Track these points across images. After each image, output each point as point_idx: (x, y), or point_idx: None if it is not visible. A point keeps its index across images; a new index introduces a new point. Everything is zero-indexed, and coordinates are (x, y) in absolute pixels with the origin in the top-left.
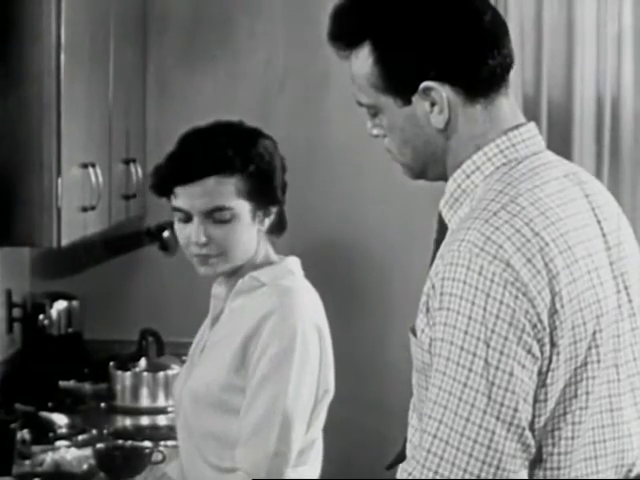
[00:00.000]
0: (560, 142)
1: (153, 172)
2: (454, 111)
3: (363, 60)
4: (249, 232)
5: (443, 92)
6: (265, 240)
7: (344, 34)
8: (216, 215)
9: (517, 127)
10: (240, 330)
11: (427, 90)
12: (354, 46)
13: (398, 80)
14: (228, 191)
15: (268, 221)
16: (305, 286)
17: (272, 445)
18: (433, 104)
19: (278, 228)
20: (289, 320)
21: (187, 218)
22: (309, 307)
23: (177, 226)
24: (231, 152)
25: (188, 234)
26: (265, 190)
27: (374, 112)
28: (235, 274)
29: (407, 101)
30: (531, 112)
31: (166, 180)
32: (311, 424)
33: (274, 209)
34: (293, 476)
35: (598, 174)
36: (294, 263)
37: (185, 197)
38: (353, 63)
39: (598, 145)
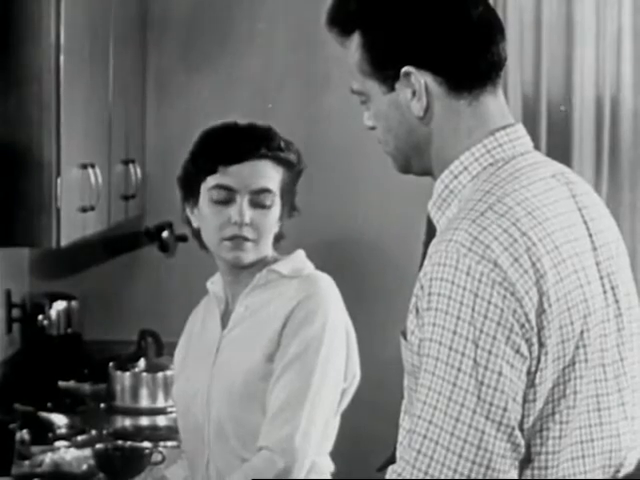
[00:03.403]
0: (559, 142)
1: (196, 151)
2: (434, 101)
3: (354, 47)
4: (275, 228)
5: (422, 79)
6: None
7: (338, 22)
8: (260, 197)
9: (504, 127)
10: (271, 320)
11: (407, 75)
12: (347, 34)
13: (381, 64)
14: (276, 179)
15: (278, 227)
16: (325, 275)
17: (298, 424)
18: (414, 92)
19: (277, 238)
20: (320, 307)
21: (227, 199)
22: (335, 294)
23: (211, 209)
24: (283, 144)
25: (227, 215)
26: (294, 193)
27: (364, 100)
28: (243, 271)
29: (391, 87)
30: (530, 112)
31: (221, 156)
32: (338, 410)
33: (289, 216)
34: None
35: (597, 173)
36: (304, 255)
37: (234, 175)
38: (347, 51)
39: (597, 145)
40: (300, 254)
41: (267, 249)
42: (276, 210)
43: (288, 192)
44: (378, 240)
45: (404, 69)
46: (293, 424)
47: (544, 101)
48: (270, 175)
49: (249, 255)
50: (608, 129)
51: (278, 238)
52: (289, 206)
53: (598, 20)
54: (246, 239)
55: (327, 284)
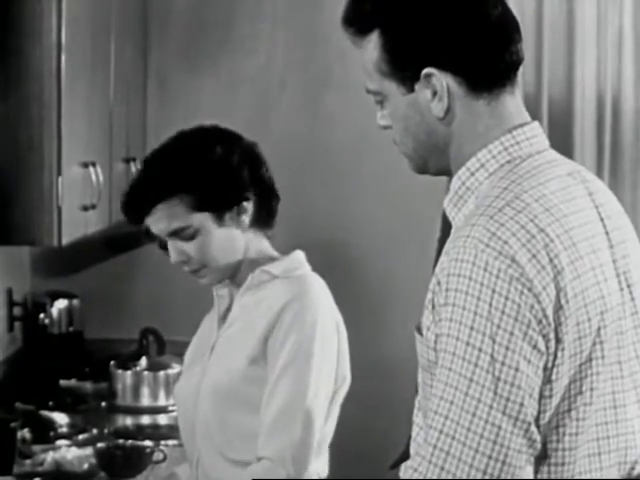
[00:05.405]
0: (561, 140)
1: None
2: (455, 101)
3: (372, 47)
4: (224, 237)
5: (443, 80)
6: (258, 235)
7: (356, 21)
8: (182, 235)
9: (521, 125)
10: (259, 322)
11: (428, 77)
12: (365, 33)
13: (401, 65)
14: (179, 212)
15: (246, 217)
16: (316, 276)
17: (296, 433)
18: (434, 93)
19: (264, 220)
20: (309, 309)
21: (161, 240)
22: (325, 295)
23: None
24: (168, 177)
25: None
26: (220, 196)
27: (380, 100)
28: (236, 274)
29: (410, 88)
30: (532, 110)
31: (128, 219)
32: (329, 415)
33: (245, 205)
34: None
35: (599, 172)
36: (301, 255)
37: (150, 225)
38: (364, 50)
39: (599, 143)
40: (296, 255)
41: (230, 260)
42: (209, 230)
43: (213, 201)
44: (379, 238)
45: (425, 70)
46: (291, 433)
47: (545, 100)
48: (172, 213)
49: (209, 279)
50: (609, 128)
51: (259, 224)
52: (229, 205)
53: (599, 19)
54: (194, 271)
55: (317, 285)
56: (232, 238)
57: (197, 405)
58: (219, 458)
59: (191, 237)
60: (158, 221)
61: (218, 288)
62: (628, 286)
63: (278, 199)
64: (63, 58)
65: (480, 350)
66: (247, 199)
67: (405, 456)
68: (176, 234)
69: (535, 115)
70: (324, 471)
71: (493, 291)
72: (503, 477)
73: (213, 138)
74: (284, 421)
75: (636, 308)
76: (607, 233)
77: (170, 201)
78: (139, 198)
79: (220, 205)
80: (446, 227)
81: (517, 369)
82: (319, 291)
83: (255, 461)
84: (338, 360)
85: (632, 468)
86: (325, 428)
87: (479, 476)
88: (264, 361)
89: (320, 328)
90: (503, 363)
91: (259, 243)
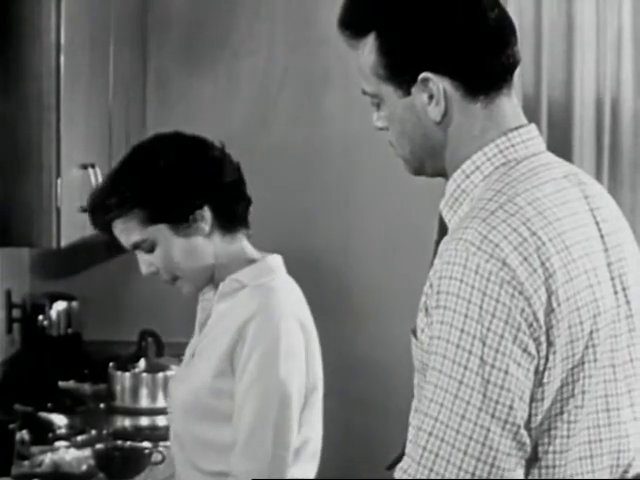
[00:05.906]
0: (560, 142)
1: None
2: (452, 105)
3: (368, 50)
4: (184, 246)
5: (440, 84)
6: (228, 239)
7: (352, 24)
8: (141, 248)
9: (517, 128)
10: (225, 334)
11: (425, 81)
12: (361, 36)
13: (398, 69)
14: (132, 227)
15: (205, 225)
16: (286, 283)
17: (269, 448)
18: (431, 96)
19: (230, 225)
20: (272, 321)
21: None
22: (290, 304)
23: None
24: (117, 194)
25: None
26: (170, 207)
27: (377, 102)
28: (215, 279)
29: (407, 92)
30: (531, 112)
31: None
32: (302, 423)
33: (200, 213)
34: (290, 476)
35: (598, 174)
36: (275, 261)
37: (117, 237)
38: (360, 53)
39: (598, 145)
40: (269, 260)
41: (199, 267)
42: (166, 242)
43: (165, 213)
44: (377, 240)
45: (422, 75)
46: (263, 449)
47: (544, 102)
48: (126, 229)
49: (186, 288)
50: (608, 130)
51: (226, 227)
52: (184, 214)
53: (598, 21)
54: (167, 281)
55: (283, 293)
56: (194, 246)
57: (173, 414)
58: (192, 468)
59: (151, 249)
60: (119, 235)
61: (205, 292)
62: (623, 289)
63: (247, 202)
64: (62, 59)
65: (470, 353)
66: (200, 207)
67: (401, 458)
68: (137, 247)
69: (534, 117)
70: (309, 476)
71: (484, 294)
72: (492, 479)
73: (162, 149)
74: (255, 438)
75: (631, 311)
76: (602, 236)
77: (125, 216)
78: (95, 215)
79: (172, 216)
80: (443, 230)
81: (507, 372)
82: (282, 301)
83: (225, 475)
84: (307, 364)
85: (625, 471)
86: (300, 435)
87: (468, 477)
88: (231, 373)
89: (284, 340)
90: (493, 366)
91: (230, 247)
